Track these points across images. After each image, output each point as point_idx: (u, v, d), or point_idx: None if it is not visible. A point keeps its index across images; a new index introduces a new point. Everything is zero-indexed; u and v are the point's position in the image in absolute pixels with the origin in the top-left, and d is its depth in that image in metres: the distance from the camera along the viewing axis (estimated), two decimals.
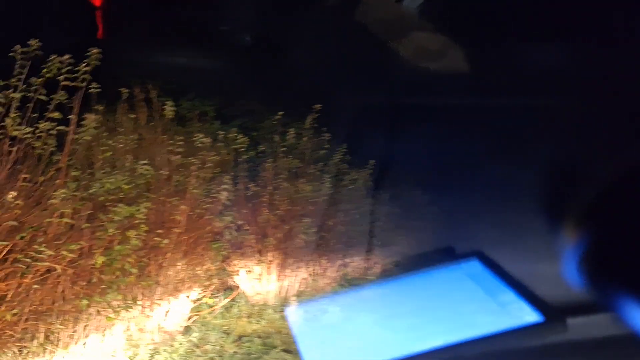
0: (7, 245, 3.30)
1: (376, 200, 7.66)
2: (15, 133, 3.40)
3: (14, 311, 3.35)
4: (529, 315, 2.45)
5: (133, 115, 5.69)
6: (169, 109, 4.80)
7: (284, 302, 5.94)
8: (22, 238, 3.36)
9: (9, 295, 3.36)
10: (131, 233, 3.94)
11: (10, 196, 3.25)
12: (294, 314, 3.67)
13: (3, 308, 3.30)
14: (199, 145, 4.94)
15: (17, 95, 3.42)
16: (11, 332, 3.37)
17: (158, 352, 4.58)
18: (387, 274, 6.67)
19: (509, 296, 2.75)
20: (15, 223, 3.28)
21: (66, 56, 3.56)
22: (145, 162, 4.37)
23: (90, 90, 4.04)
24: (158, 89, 7.31)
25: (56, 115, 3.53)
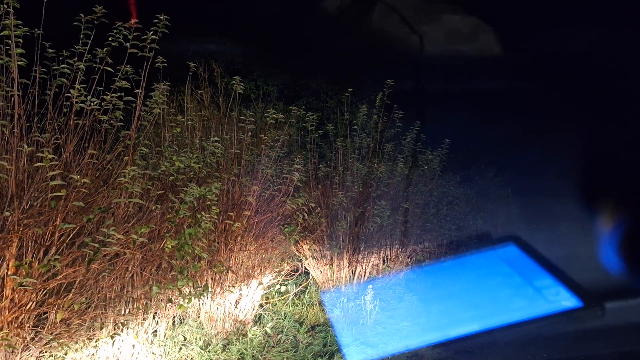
0: (75, 227, 3.06)
1: (450, 182, 7.32)
2: (81, 105, 3.13)
3: (83, 299, 3.12)
4: (566, 300, 2.61)
5: (200, 92, 5.43)
6: (238, 85, 4.50)
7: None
8: (89, 220, 3.11)
9: (77, 282, 3.13)
10: (202, 215, 3.66)
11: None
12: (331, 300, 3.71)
13: (71, 296, 3.07)
14: (271, 122, 4.62)
15: (83, 65, 3.14)
16: (79, 321, 3.14)
17: (231, 342, 4.32)
18: (433, 258, 6.40)
19: (547, 281, 2.90)
20: (82, 204, 3.03)
21: (133, 20, 3.26)
22: (215, 139, 4.07)
23: (157, 63, 3.75)
24: (221, 70, 7.14)
25: (124, 84, 3.24)
